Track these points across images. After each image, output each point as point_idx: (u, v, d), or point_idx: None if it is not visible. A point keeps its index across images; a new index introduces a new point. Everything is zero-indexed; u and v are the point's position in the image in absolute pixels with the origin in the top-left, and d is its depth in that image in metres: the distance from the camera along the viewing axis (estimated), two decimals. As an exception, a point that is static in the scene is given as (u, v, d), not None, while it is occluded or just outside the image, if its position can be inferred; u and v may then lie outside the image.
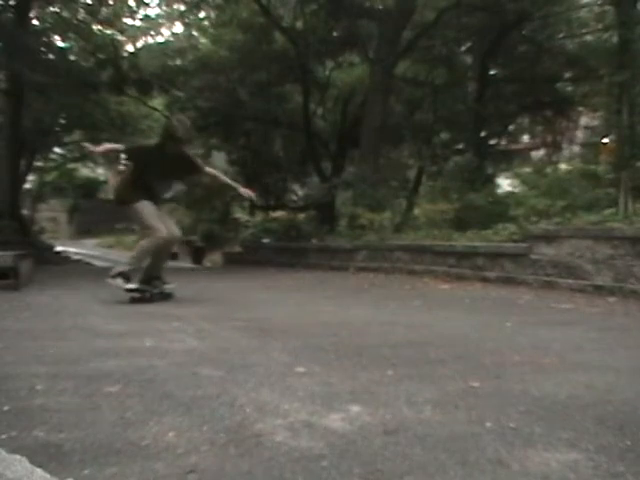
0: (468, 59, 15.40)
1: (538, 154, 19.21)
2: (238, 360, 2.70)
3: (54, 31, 16.10)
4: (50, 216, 32.66)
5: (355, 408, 1.92)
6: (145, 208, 5.19)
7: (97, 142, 25.08)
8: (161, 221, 5.19)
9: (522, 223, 7.03)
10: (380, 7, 13.44)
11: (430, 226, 9.50)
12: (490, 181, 13.50)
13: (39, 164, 23.55)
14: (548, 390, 2.15)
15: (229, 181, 5.91)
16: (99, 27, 16.72)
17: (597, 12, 11.83)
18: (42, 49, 14.31)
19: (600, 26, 11.32)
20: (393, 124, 13.76)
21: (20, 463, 1.43)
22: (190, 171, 5.58)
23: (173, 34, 20.58)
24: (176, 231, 5.38)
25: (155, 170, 5.29)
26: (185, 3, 16.63)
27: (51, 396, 2.07)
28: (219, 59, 14.94)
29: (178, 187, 5.72)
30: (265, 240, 13.66)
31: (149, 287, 5.24)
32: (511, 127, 17.40)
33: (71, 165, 29.98)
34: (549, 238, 5.98)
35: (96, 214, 32.93)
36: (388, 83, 12.10)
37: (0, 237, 10.77)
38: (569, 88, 15.12)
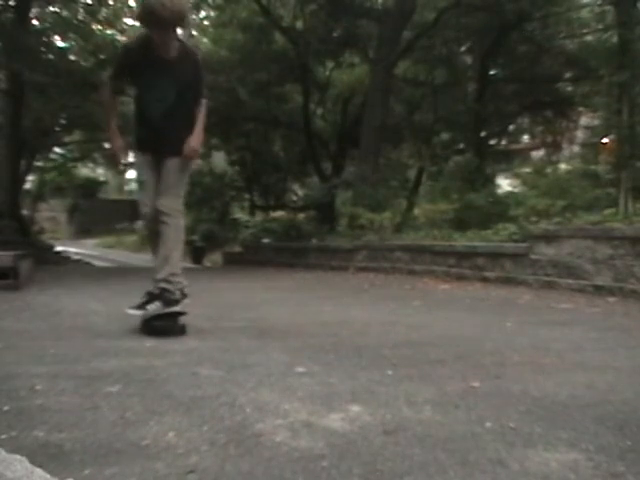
0: (468, 59, 15.41)
1: (538, 154, 19.21)
2: (238, 360, 2.70)
3: (54, 31, 16.10)
4: (50, 216, 32.66)
5: (355, 408, 1.91)
6: (139, 167, 3.77)
7: (97, 142, 25.06)
8: (148, 190, 3.63)
9: (522, 223, 7.03)
10: (380, 7, 13.45)
11: (430, 226, 9.50)
12: (490, 181, 13.51)
13: (39, 164, 23.55)
14: (548, 390, 2.15)
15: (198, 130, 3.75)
16: (99, 27, 16.72)
17: (597, 12, 11.82)
18: (42, 49, 14.31)
19: (600, 26, 11.32)
20: (393, 124, 13.76)
21: (20, 463, 1.43)
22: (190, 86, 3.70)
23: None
24: (162, 205, 3.53)
25: (146, 86, 3.64)
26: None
27: (51, 396, 2.07)
28: (219, 59, 14.95)
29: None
30: (265, 240, 13.67)
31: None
32: (511, 127, 17.42)
33: (71, 165, 29.98)
34: (549, 238, 5.98)
35: (96, 214, 32.95)
36: (388, 83, 12.10)
37: (0, 237, 10.76)
38: (569, 88, 15.13)
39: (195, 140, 3.66)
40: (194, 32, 18.25)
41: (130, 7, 17.60)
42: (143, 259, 21.88)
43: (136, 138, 3.78)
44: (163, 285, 3.42)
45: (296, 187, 19.76)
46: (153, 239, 3.65)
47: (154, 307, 3.42)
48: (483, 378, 2.32)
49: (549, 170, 12.84)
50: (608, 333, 3.49)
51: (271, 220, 15.83)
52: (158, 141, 3.64)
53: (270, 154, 17.86)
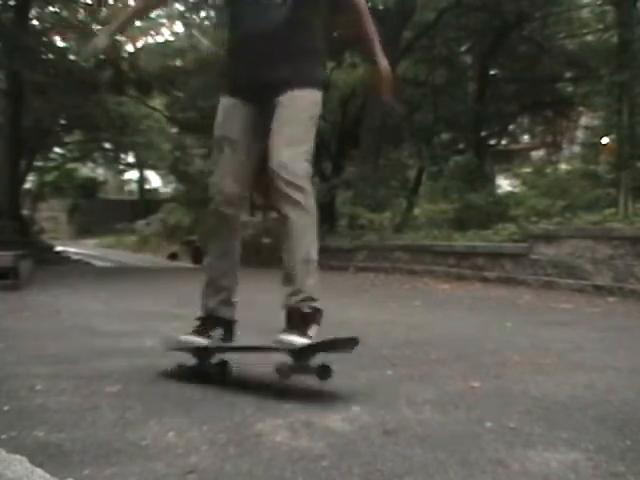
0: (468, 59, 15.41)
1: (538, 154, 19.21)
2: (238, 360, 2.69)
3: (54, 31, 16.10)
4: (50, 216, 32.64)
5: (355, 408, 1.91)
6: (223, 118, 2.43)
7: (97, 142, 25.03)
8: (231, 156, 2.38)
9: (522, 223, 7.03)
10: (380, 7, 13.45)
11: (430, 226, 9.51)
12: (490, 181, 13.52)
13: (39, 164, 23.56)
14: (548, 390, 2.15)
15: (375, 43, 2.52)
16: (99, 27, 16.72)
17: (597, 12, 11.84)
18: (42, 49, 14.32)
19: (600, 26, 11.33)
20: (393, 124, 13.76)
21: (20, 463, 1.43)
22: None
23: (173, 34, 20.61)
24: (285, 167, 2.21)
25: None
26: (185, 3, 16.64)
27: (51, 396, 2.07)
28: (219, 59, 14.95)
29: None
30: (265, 240, 13.66)
31: (203, 338, 2.36)
32: (511, 127, 17.41)
33: (71, 165, 30.00)
34: (549, 238, 5.98)
35: (96, 214, 32.94)
36: (388, 83, 12.09)
37: (0, 237, 10.77)
38: (569, 88, 15.14)
39: (381, 55, 2.52)
40: (194, 32, 18.28)
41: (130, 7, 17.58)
42: (143, 259, 21.87)
43: (225, 75, 2.60)
44: (314, 304, 2.29)
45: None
46: (221, 233, 2.54)
47: (314, 331, 2.22)
48: (483, 378, 2.32)
49: (549, 170, 12.84)
50: (608, 333, 3.49)
51: (271, 220, 15.83)
52: (260, 74, 2.33)
53: (270, 154, 17.85)
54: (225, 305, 2.42)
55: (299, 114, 2.34)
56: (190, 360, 2.34)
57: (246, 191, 2.47)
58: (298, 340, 2.12)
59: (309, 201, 2.30)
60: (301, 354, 2.11)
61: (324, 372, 2.11)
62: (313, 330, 2.19)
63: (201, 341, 2.33)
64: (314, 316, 2.23)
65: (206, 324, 2.38)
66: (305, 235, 2.32)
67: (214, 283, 2.46)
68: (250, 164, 2.40)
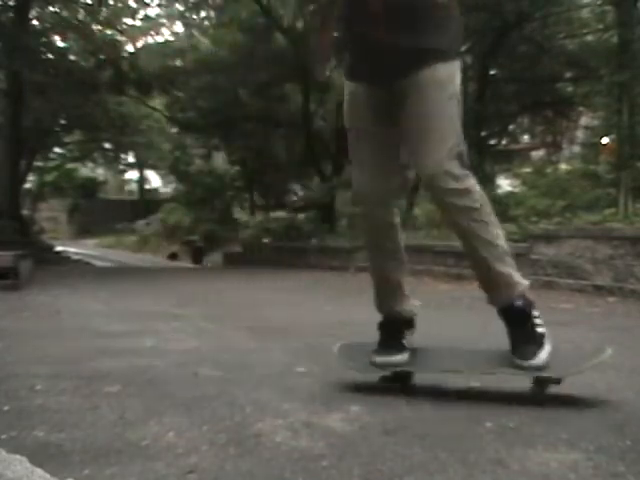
0: (468, 59, 15.41)
1: (538, 154, 19.21)
2: (238, 360, 2.70)
3: (54, 31, 16.13)
4: (50, 216, 32.65)
5: (355, 408, 1.91)
6: (350, 107, 2.12)
7: (97, 142, 25.15)
8: (366, 152, 2.10)
9: (522, 223, 7.03)
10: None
11: (430, 226, 9.50)
12: (490, 181, 13.51)
13: (39, 164, 23.58)
14: (548, 390, 2.14)
15: None
16: (99, 27, 16.75)
17: (597, 12, 11.83)
18: (42, 49, 14.35)
19: (600, 26, 11.32)
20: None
21: (20, 463, 1.43)
22: None
23: (173, 34, 20.66)
24: (430, 171, 1.95)
25: None
26: (185, 3, 16.66)
27: (51, 396, 2.07)
28: (219, 59, 14.96)
29: None
30: (265, 240, 13.68)
31: (402, 354, 2.11)
32: (511, 127, 17.42)
33: (71, 165, 30.04)
34: (549, 238, 5.98)
35: (96, 214, 32.96)
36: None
37: (0, 237, 10.77)
38: (569, 88, 15.14)
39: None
40: (194, 32, 18.30)
41: (130, 7, 17.63)
42: (143, 259, 21.88)
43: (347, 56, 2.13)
44: (524, 294, 2.17)
45: (296, 187, 19.77)
46: (384, 233, 2.16)
47: (542, 327, 2.19)
48: (483, 378, 2.32)
49: (549, 170, 12.84)
50: (608, 333, 3.49)
51: (271, 220, 15.85)
52: (380, 50, 1.95)
53: (270, 154, 17.87)
54: (405, 301, 2.18)
55: (435, 102, 1.94)
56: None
57: (395, 181, 2.14)
58: (540, 358, 2.01)
59: (474, 197, 1.98)
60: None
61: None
62: (541, 326, 2.07)
63: (401, 359, 2.09)
64: (530, 310, 2.08)
65: (396, 331, 2.15)
66: (485, 236, 2.06)
67: (390, 283, 2.18)
68: (391, 152, 2.10)
